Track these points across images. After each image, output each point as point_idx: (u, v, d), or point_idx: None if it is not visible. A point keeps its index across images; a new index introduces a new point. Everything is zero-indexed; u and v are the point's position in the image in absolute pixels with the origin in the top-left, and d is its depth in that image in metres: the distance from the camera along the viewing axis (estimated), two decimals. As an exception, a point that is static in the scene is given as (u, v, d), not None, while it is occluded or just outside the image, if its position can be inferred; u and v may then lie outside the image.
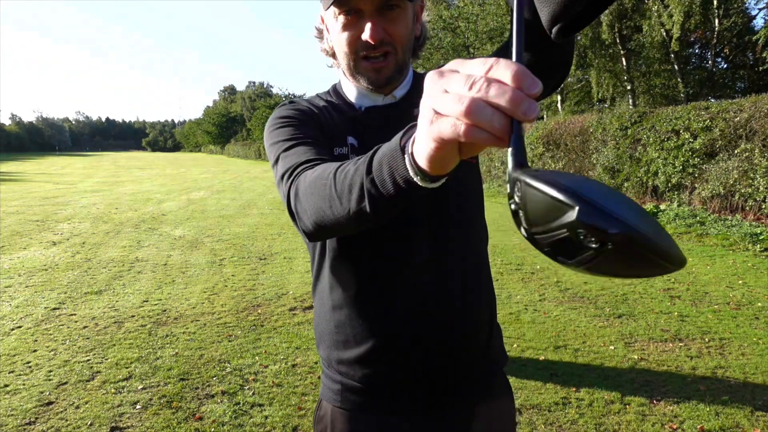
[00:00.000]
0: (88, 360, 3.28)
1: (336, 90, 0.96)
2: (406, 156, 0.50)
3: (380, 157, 0.55)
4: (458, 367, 0.90)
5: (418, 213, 0.86)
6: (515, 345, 3.46)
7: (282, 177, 0.77)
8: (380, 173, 0.54)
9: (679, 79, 17.00)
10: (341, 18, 0.81)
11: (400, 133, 0.53)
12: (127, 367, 3.16)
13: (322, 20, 0.90)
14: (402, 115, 0.85)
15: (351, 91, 0.92)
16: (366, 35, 0.80)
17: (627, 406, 2.66)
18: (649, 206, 8.71)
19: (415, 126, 0.49)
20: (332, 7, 0.80)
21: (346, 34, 0.82)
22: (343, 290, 0.89)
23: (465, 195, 0.90)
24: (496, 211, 10.38)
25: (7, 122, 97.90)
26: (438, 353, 0.87)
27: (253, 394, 2.84)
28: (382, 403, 0.88)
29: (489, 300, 0.94)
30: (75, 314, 4.18)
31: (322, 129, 0.87)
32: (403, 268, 0.86)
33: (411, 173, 0.49)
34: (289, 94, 42.10)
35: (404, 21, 0.82)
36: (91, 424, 2.52)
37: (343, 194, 0.61)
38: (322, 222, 0.67)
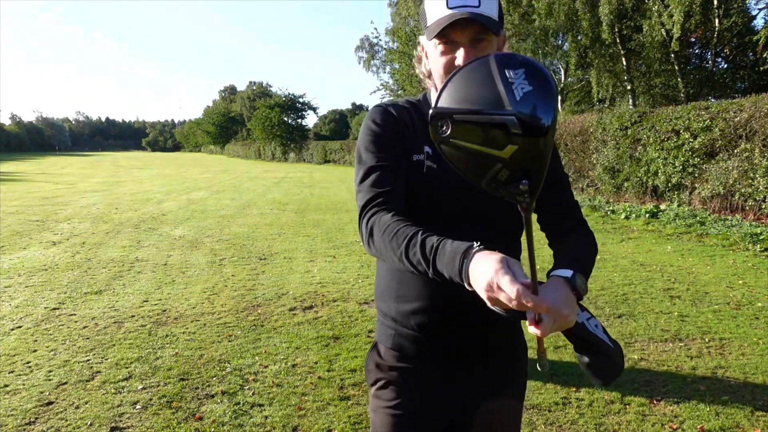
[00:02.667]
0: (88, 360, 3.27)
1: (426, 98, 1.16)
2: (464, 281, 0.78)
3: (442, 266, 0.82)
4: (482, 336, 1.12)
5: (473, 217, 1.07)
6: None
7: (364, 200, 1.02)
8: (440, 273, 0.83)
9: (679, 79, 16.99)
10: (441, 47, 1.01)
11: (461, 253, 0.79)
12: (127, 367, 3.16)
13: (422, 48, 1.11)
14: None
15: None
16: (459, 60, 0.99)
17: (627, 406, 2.66)
18: (649, 206, 8.71)
19: (469, 252, 0.78)
20: (435, 38, 1.00)
21: (444, 59, 1.01)
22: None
23: (511, 216, 1.09)
24: (496, 211, 10.38)
25: (7, 122, 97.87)
26: (467, 323, 1.09)
27: (253, 394, 2.83)
28: (424, 350, 1.11)
29: None
30: (75, 314, 4.17)
31: (404, 139, 1.08)
32: None
33: (465, 284, 0.79)
34: (289, 94, 42.06)
35: (491, 51, 1.00)
36: (90, 424, 2.52)
37: (408, 262, 0.88)
38: (384, 259, 0.96)
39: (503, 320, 0.88)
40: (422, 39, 1.09)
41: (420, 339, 1.11)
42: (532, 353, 3.46)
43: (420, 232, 0.88)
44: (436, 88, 1.08)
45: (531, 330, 0.82)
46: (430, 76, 1.10)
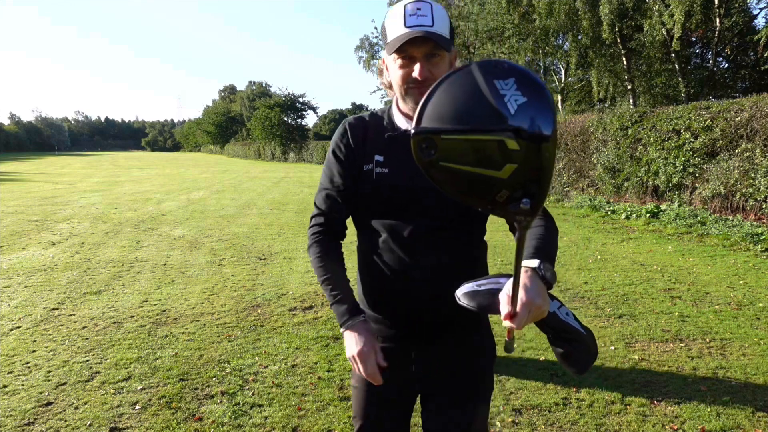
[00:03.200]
0: (88, 360, 3.27)
1: (389, 112, 1.30)
2: (342, 328, 1.20)
3: (336, 310, 1.22)
4: (435, 316, 1.26)
5: (421, 212, 1.21)
6: (515, 345, 3.45)
7: (313, 213, 1.33)
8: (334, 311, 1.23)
9: (680, 79, 16.98)
10: (399, 61, 1.15)
11: (343, 319, 1.20)
12: (126, 368, 3.15)
13: (383, 62, 1.25)
14: None
15: (398, 116, 1.26)
16: (415, 73, 1.14)
17: (628, 407, 2.66)
18: (650, 206, 8.70)
19: (347, 322, 1.19)
20: (394, 53, 1.14)
21: (401, 72, 1.16)
22: (368, 259, 1.30)
23: (461, 208, 1.21)
24: (497, 210, 10.37)
25: (6, 122, 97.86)
26: (420, 307, 1.25)
27: (253, 394, 2.83)
28: (387, 330, 1.30)
29: (452, 285, 1.17)
30: (74, 314, 4.17)
31: (353, 158, 1.25)
32: (403, 249, 1.24)
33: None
34: (289, 93, 42.06)
35: (443, 65, 1.16)
36: (90, 425, 2.51)
37: (324, 289, 1.26)
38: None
39: (466, 309, 0.94)
40: (383, 53, 1.23)
41: (382, 320, 1.29)
42: (532, 353, 3.44)
43: (327, 279, 1.24)
44: (398, 98, 1.22)
45: (506, 324, 0.83)
46: (390, 87, 1.24)
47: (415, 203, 1.20)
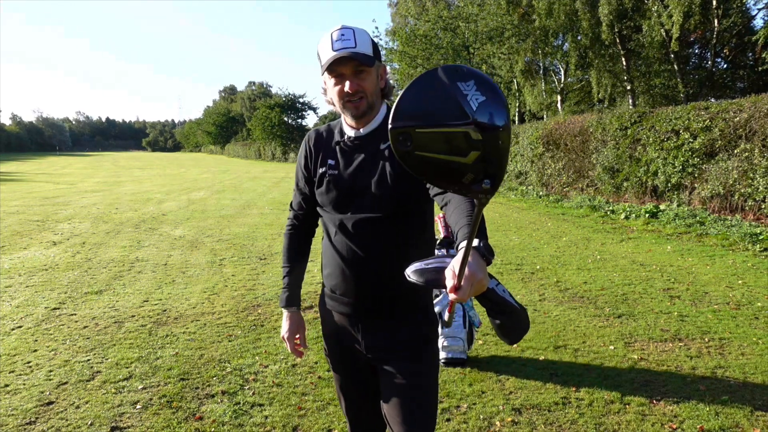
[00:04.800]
0: (89, 360, 3.28)
1: (341, 123, 1.50)
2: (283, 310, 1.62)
3: (281, 294, 1.63)
4: (374, 296, 1.43)
5: (365, 207, 1.39)
6: (515, 345, 3.46)
7: (289, 210, 1.66)
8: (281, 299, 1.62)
9: (678, 79, 16.99)
10: (332, 80, 1.36)
11: (284, 303, 1.61)
12: (127, 367, 3.16)
13: (324, 82, 1.42)
14: (368, 144, 1.42)
15: (346, 126, 1.47)
16: (347, 88, 1.34)
17: (627, 406, 2.67)
18: (649, 206, 8.71)
19: (286, 305, 1.61)
20: (326, 72, 1.35)
21: (336, 89, 1.36)
22: (325, 247, 1.52)
23: (381, 214, 1.39)
24: (496, 211, 10.38)
25: (8, 122, 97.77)
26: (363, 285, 1.43)
27: (253, 393, 2.84)
28: (338, 306, 1.50)
29: (394, 273, 1.30)
30: (75, 314, 4.18)
31: (310, 161, 1.51)
32: (349, 238, 1.43)
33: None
34: (289, 94, 42.10)
35: (370, 79, 1.36)
36: (91, 424, 2.52)
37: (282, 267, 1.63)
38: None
39: (408, 289, 1.13)
40: (322, 76, 1.41)
41: (337, 297, 1.48)
42: (532, 353, 3.45)
43: (285, 267, 1.61)
44: (341, 111, 1.41)
45: (450, 297, 0.91)
46: (333, 103, 1.42)
47: (358, 199, 1.40)
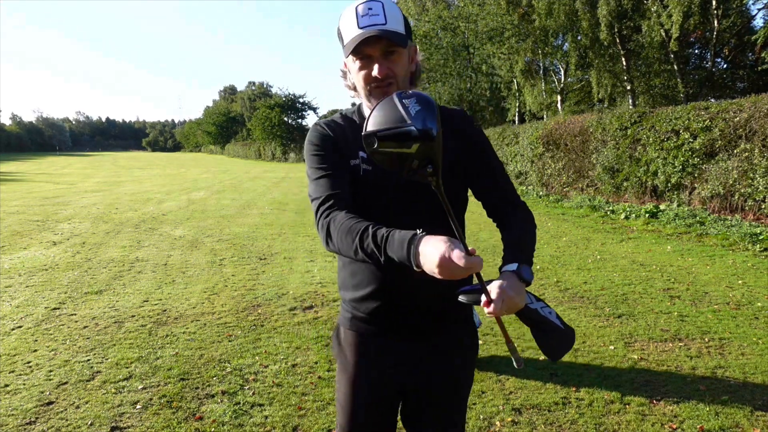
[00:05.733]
0: (89, 360, 3.28)
1: (359, 111, 1.31)
2: (412, 263, 0.97)
3: (392, 252, 1.00)
4: (424, 312, 1.28)
5: (403, 206, 1.23)
6: (515, 344, 3.46)
7: (316, 206, 1.19)
8: (390, 258, 1.01)
9: (678, 79, 16.99)
10: (358, 62, 1.17)
11: (407, 240, 0.97)
12: (127, 367, 3.16)
13: (345, 65, 1.25)
14: None
15: (368, 113, 1.23)
16: (375, 72, 1.16)
17: (627, 406, 2.67)
18: (649, 206, 8.72)
19: (414, 239, 0.97)
20: (351, 55, 1.15)
21: (362, 73, 1.18)
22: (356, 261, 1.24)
23: (427, 215, 1.23)
24: (496, 211, 10.38)
25: (8, 122, 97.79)
26: (411, 301, 1.25)
27: (253, 393, 2.84)
28: (374, 329, 1.29)
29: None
30: (75, 314, 4.18)
31: (338, 149, 1.24)
32: None
33: (413, 266, 0.97)
34: (289, 94, 42.12)
35: (402, 62, 1.19)
36: (91, 424, 2.52)
37: (363, 253, 1.06)
38: (342, 254, 1.13)
39: (455, 303, 1.10)
40: (343, 57, 1.22)
41: (370, 320, 1.29)
42: (532, 353, 3.45)
43: (371, 226, 1.05)
44: (363, 99, 1.24)
45: (486, 311, 1.00)
46: (355, 89, 1.26)
47: (399, 200, 1.22)
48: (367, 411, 1.31)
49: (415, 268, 0.96)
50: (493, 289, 1.00)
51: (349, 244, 1.07)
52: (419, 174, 0.97)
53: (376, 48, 1.14)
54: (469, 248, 0.92)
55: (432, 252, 0.92)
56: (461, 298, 1.08)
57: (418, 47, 1.28)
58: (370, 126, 0.97)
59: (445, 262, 0.90)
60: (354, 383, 1.30)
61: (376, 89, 1.18)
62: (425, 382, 1.31)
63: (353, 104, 1.38)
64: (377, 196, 1.22)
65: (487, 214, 1.33)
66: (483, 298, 1.01)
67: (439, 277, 0.92)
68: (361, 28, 1.12)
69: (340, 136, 1.26)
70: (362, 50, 1.14)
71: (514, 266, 1.08)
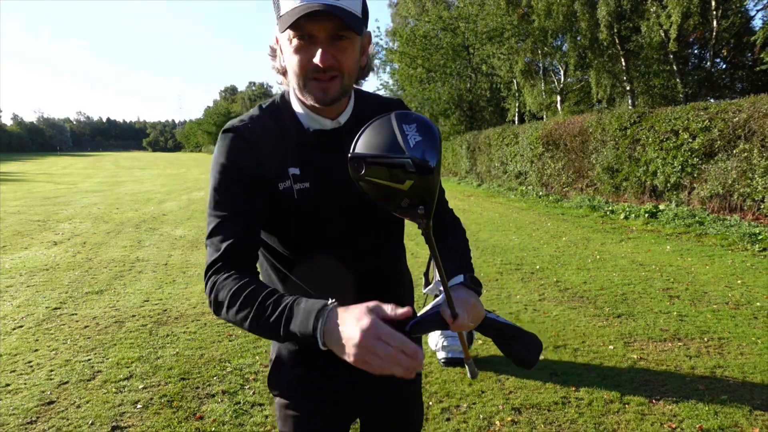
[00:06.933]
0: (89, 359, 3.29)
1: (287, 105, 1.02)
2: (318, 341, 0.78)
3: (295, 327, 0.80)
4: None
5: (354, 230, 1.03)
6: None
7: (208, 261, 0.94)
8: (292, 334, 0.81)
9: (677, 80, 17.00)
10: (296, 41, 0.90)
11: (311, 319, 0.78)
12: (128, 367, 3.17)
13: (277, 41, 0.98)
14: (346, 140, 0.89)
15: (300, 110, 1.01)
16: (317, 59, 0.89)
17: (626, 406, 2.68)
18: (648, 206, 8.73)
19: (324, 311, 0.78)
20: (288, 30, 0.88)
21: (298, 57, 0.91)
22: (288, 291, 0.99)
23: (381, 231, 1.08)
24: (496, 211, 10.39)
25: (9, 122, 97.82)
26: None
27: (254, 393, 2.84)
28: (320, 360, 0.97)
29: (399, 291, 1.16)
30: (76, 314, 4.19)
31: (258, 172, 0.97)
32: (337, 279, 1.05)
33: (319, 345, 0.78)
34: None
35: (352, 51, 0.93)
36: (92, 424, 2.53)
37: (261, 329, 0.85)
38: (233, 324, 0.90)
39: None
40: (276, 31, 0.95)
41: (312, 355, 1.05)
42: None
43: (268, 294, 0.84)
44: (294, 90, 0.98)
45: (452, 327, 0.92)
46: (285, 73, 0.99)
47: (350, 219, 1.01)
48: None
49: (321, 347, 0.77)
50: (451, 304, 0.91)
51: (243, 319, 0.85)
52: (408, 214, 0.85)
53: (323, 27, 0.88)
54: (399, 311, 0.76)
55: (348, 340, 0.73)
56: (415, 334, 0.95)
57: (372, 35, 1.04)
58: (360, 147, 0.82)
59: (365, 351, 0.72)
60: (299, 419, 1.09)
61: (314, 81, 0.92)
62: (381, 405, 1.19)
63: (283, 94, 1.07)
64: (319, 220, 0.99)
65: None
66: (448, 312, 0.92)
67: (352, 363, 0.74)
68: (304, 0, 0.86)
69: (264, 149, 0.97)
70: (304, 26, 0.87)
71: (460, 278, 1.00)
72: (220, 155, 0.98)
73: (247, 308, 0.85)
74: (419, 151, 0.80)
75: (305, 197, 0.98)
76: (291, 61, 0.93)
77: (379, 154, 0.81)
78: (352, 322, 0.74)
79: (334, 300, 0.81)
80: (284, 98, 1.04)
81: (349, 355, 0.73)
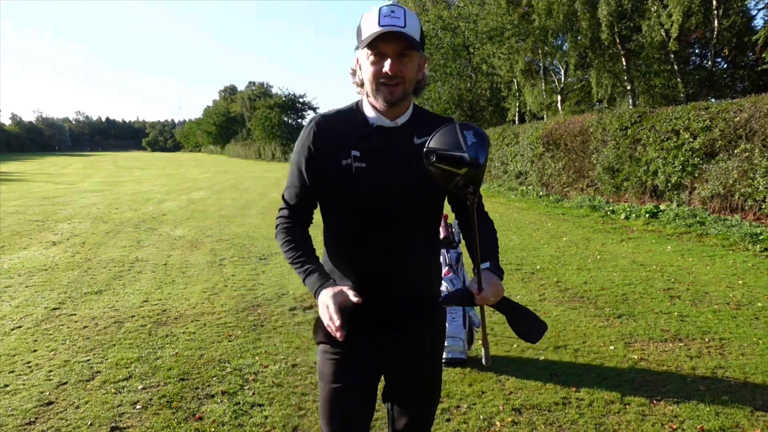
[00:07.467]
0: (88, 360, 3.27)
1: (358, 107, 1.37)
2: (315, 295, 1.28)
3: (309, 281, 1.32)
4: (400, 305, 1.38)
5: (396, 204, 1.32)
6: (515, 345, 3.46)
7: (280, 207, 1.47)
8: (306, 284, 1.34)
9: (678, 79, 16.98)
10: (372, 57, 1.25)
11: (318, 282, 1.29)
12: (127, 367, 3.16)
13: (357, 61, 1.33)
14: (401, 137, 1.33)
15: (370, 111, 1.34)
16: (386, 69, 1.24)
17: (627, 406, 2.66)
18: (649, 206, 8.71)
19: (325, 283, 1.27)
20: (367, 48, 1.24)
21: (373, 68, 1.25)
22: (339, 250, 1.41)
23: (415, 212, 1.36)
24: (497, 211, 10.38)
25: (8, 122, 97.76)
26: (385, 298, 1.36)
27: (253, 394, 2.83)
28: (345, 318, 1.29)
29: (425, 273, 1.43)
30: (75, 314, 4.18)
31: (324, 154, 1.32)
32: (372, 246, 1.36)
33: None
34: (289, 94, 42.11)
35: (412, 65, 1.27)
36: (91, 424, 2.52)
37: (295, 266, 1.38)
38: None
39: (426, 298, 1.39)
40: (357, 53, 1.31)
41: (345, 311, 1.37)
42: (532, 353, 3.44)
43: (297, 258, 1.36)
44: (368, 95, 1.32)
45: (478, 300, 1.23)
46: (362, 85, 1.32)
47: (394, 195, 1.30)
48: (348, 386, 1.37)
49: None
50: (480, 281, 1.24)
51: (287, 258, 1.41)
52: (461, 191, 1.19)
53: (391, 46, 1.22)
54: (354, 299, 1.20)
55: (321, 302, 1.23)
56: (447, 305, 1.30)
57: (428, 58, 1.38)
58: (432, 144, 1.17)
59: (323, 311, 1.21)
60: (335, 362, 1.37)
61: (383, 86, 1.25)
62: (406, 362, 1.44)
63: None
64: (370, 191, 1.30)
65: (457, 217, 1.51)
66: (474, 287, 1.23)
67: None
68: (381, 26, 1.21)
69: (333, 136, 1.32)
70: (378, 46, 1.22)
71: (487, 264, 1.30)
72: (300, 138, 1.37)
73: (288, 255, 1.39)
74: (473, 150, 1.14)
75: (360, 172, 1.30)
76: (367, 71, 1.27)
77: (446, 149, 1.15)
78: (326, 293, 1.23)
79: (333, 280, 1.30)
80: (359, 104, 1.38)
81: (316, 308, 1.26)
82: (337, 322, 1.14)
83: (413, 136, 1.33)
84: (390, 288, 1.35)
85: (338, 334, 1.15)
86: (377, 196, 1.30)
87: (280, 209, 1.44)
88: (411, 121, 1.35)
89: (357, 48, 1.28)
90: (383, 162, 1.30)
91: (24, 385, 2.93)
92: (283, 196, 1.43)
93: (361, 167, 1.29)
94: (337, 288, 1.23)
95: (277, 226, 1.44)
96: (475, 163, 1.13)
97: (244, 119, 62.51)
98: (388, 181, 1.30)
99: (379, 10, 1.23)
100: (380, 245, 1.33)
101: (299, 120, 42.51)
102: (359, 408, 1.38)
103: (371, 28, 1.22)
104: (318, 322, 1.38)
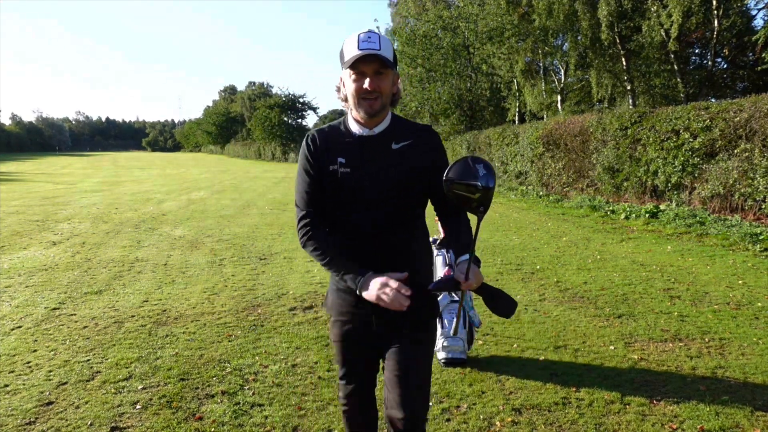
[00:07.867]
0: (88, 360, 3.27)
1: (345, 122, 1.61)
2: (359, 292, 1.51)
3: (348, 281, 1.52)
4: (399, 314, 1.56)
5: (377, 203, 1.54)
6: (515, 345, 3.46)
7: (298, 215, 1.62)
8: (345, 283, 1.55)
9: (678, 79, 16.97)
10: (353, 76, 1.47)
11: (357, 279, 1.50)
12: (127, 367, 3.16)
13: (341, 79, 1.55)
14: (380, 144, 1.55)
15: (354, 125, 1.58)
16: (366, 85, 1.46)
17: (627, 406, 2.66)
18: (649, 206, 8.71)
19: (364, 277, 1.49)
20: (349, 69, 1.46)
21: (355, 85, 1.48)
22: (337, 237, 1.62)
23: (404, 204, 1.59)
24: (497, 211, 10.38)
25: (8, 122, 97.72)
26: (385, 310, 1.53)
27: (253, 394, 2.83)
28: (347, 301, 1.62)
29: (411, 265, 1.58)
30: (75, 314, 4.18)
31: (319, 160, 1.56)
32: (367, 238, 1.57)
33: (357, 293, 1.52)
34: (289, 94, 42.12)
35: (388, 81, 1.50)
36: (91, 424, 2.52)
37: (330, 270, 1.60)
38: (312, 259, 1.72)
39: (422, 305, 1.59)
40: (341, 72, 1.53)
41: (346, 296, 1.61)
42: (532, 353, 3.44)
43: (331, 262, 1.54)
44: (351, 109, 1.54)
45: (464, 286, 1.43)
46: (346, 99, 1.54)
47: (374, 194, 1.52)
48: (355, 347, 1.66)
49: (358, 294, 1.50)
50: (463, 270, 1.44)
51: (318, 259, 1.58)
52: (473, 211, 1.45)
53: (369, 66, 1.44)
54: (403, 276, 1.47)
55: (370, 292, 1.46)
56: (434, 291, 1.55)
57: (399, 76, 1.61)
58: (451, 174, 1.41)
59: (378, 299, 1.44)
60: (345, 333, 1.65)
61: (364, 100, 1.47)
62: (399, 350, 1.60)
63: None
64: (354, 192, 1.53)
65: (438, 216, 1.69)
66: (460, 276, 1.43)
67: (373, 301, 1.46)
68: (360, 50, 1.42)
69: (323, 147, 1.56)
70: (358, 66, 1.44)
71: (466, 256, 1.47)
72: (300, 153, 1.61)
73: (321, 260, 1.56)
74: (485, 179, 1.40)
75: (345, 176, 1.53)
76: (350, 88, 1.49)
77: (462, 179, 1.40)
78: (372, 284, 1.46)
79: (370, 272, 1.49)
80: (345, 118, 1.61)
81: (371, 297, 1.46)
82: (403, 288, 1.40)
83: (391, 142, 1.55)
84: (374, 264, 1.53)
85: (407, 293, 1.41)
86: (360, 196, 1.52)
87: (298, 220, 1.60)
88: (389, 130, 1.57)
89: (342, 68, 1.51)
90: (364, 166, 1.52)
91: (24, 385, 2.93)
92: (296, 204, 1.62)
93: (346, 172, 1.52)
94: (378, 277, 1.45)
95: (301, 238, 1.59)
96: (486, 190, 1.39)
97: (244, 119, 62.50)
98: (369, 183, 1.52)
99: (358, 36, 1.45)
100: (367, 240, 1.54)
101: (299, 120, 42.51)
102: (365, 357, 1.68)
103: (352, 51, 1.44)
104: (329, 295, 1.71)
